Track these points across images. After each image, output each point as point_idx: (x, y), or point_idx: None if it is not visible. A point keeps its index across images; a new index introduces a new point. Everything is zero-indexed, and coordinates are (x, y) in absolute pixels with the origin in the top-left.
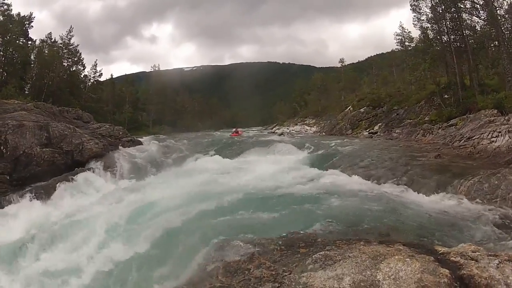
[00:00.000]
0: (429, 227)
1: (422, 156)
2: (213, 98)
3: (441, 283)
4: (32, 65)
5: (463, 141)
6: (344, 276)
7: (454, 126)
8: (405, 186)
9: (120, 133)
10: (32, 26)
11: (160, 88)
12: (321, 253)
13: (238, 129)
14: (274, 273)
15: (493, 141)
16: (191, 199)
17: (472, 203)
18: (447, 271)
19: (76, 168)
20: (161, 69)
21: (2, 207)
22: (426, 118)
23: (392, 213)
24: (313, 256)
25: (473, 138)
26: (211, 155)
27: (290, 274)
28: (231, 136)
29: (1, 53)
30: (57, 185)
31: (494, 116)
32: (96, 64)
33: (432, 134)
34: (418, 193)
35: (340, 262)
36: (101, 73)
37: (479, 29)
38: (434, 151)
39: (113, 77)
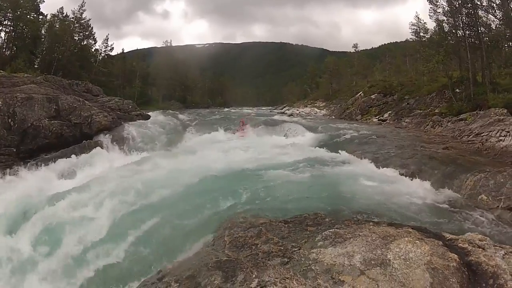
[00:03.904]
0: (435, 215)
1: (431, 147)
2: (224, 76)
3: (450, 266)
4: (43, 40)
5: (471, 136)
6: (354, 253)
7: (463, 121)
8: (413, 174)
9: (130, 107)
10: (43, 1)
11: (171, 64)
12: (331, 230)
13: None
14: (282, 248)
15: (501, 139)
16: (197, 175)
17: (477, 198)
18: (455, 256)
19: (84, 141)
20: (172, 45)
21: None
22: (436, 110)
23: (399, 199)
24: (323, 233)
25: (481, 135)
26: (217, 131)
27: (299, 250)
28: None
29: (11, 27)
30: (64, 157)
31: (504, 116)
32: (108, 39)
33: (441, 126)
34: (424, 182)
35: (350, 240)
36: (112, 48)
37: (494, 27)
38: (443, 143)
39: (124, 51)
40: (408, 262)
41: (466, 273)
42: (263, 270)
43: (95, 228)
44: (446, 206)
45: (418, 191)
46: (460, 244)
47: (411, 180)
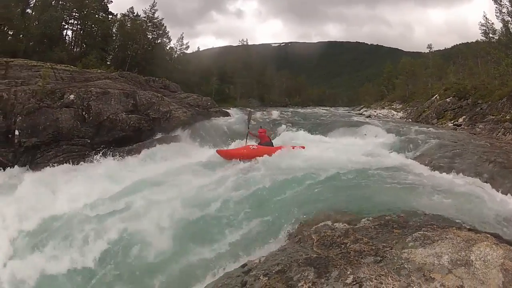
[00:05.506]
0: (506, 223)
1: (501, 156)
2: (301, 75)
3: None
4: (114, 38)
5: None
6: (442, 254)
7: None
8: (486, 183)
9: (208, 103)
10: (111, 1)
11: (248, 62)
12: (420, 232)
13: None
14: (374, 248)
15: None
16: (282, 172)
17: None
18: None
19: (163, 135)
20: (248, 43)
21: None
22: (508, 117)
23: (473, 206)
24: (413, 235)
25: None
26: (298, 130)
27: (391, 249)
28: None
29: (79, 26)
30: (142, 150)
31: None
32: (183, 37)
33: None
34: (497, 191)
35: (438, 242)
36: (188, 46)
37: None
38: None
39: (200, 50)
40: (486, 263)
41: None
42: (357, 267)
43: (176, 222)
44: None
45: (490, 199)
46: None
47: (484, 188)
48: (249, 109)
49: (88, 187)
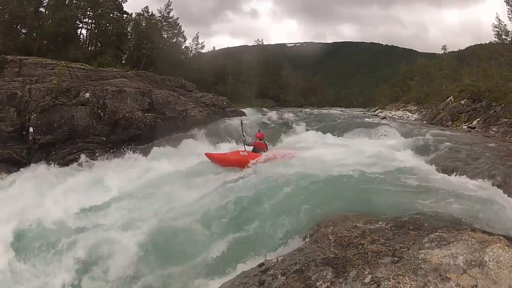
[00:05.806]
0: None
1: None
2: (316, 75)
3: None
4: (129, 37)
5: None
6: (458, 255)
7: None
8: (499, 186)
9: (224, 103)
10: (126, 1)
11: (263, 62)
12: (436, 233)
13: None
14: (391, 248)
15: None
16: (298, 172)
17: None
18: None
19: (178, 134)
20: (263, 43)
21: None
22: None
23: (487, 209)
24: (429, 236)
25: None
26: (312, 130)
27: (408, 250)
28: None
29: (93, 25)
30: (156, 148)
31: None
32: (198, 37)
33: None
34: (509, 194)
35: (454, 243)
36: (203, 45)
37: None
38: None
39: (215, 49)
40: (499, 264)
41: None
42: (375, 267)
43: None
44: None
45: (503, 202)
46: None
47: (497, 192)
48: (241, 118)
49: (83, 191)
